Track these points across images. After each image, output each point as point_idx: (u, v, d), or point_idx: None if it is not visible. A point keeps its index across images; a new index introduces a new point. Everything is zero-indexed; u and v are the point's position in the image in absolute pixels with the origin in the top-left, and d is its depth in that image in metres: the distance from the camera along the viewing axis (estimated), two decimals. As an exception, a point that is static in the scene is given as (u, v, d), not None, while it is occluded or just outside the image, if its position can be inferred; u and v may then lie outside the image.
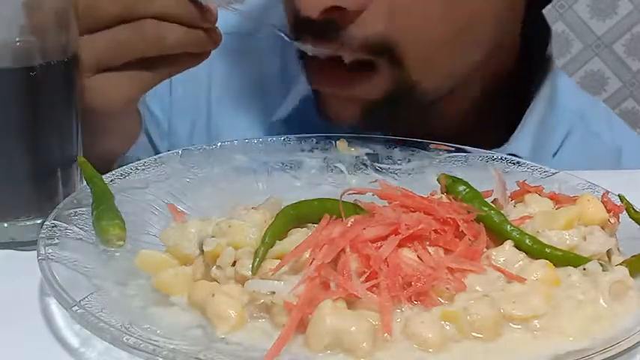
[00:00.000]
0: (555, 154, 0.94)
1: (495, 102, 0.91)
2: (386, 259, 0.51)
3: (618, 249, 0.59)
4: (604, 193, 0.62)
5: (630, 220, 0.61)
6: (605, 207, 0.60)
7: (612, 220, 0.60)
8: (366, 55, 0.77)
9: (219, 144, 0.72)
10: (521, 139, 0.89)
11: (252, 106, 0.98)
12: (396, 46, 0.77)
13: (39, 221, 0.61)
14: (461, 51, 0.81)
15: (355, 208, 0.58)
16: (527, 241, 0.57)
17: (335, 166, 0.74)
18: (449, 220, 0.56)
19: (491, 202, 0.62)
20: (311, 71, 0.82)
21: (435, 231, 0.55)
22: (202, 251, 0.55)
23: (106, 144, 0.74)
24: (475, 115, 0.91)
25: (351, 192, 0.59)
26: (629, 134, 1.03)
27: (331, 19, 0.75)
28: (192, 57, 0.74)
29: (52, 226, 0.56)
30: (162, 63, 0.72)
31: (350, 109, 0.82)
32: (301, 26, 0.78)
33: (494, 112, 0.92)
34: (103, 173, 0.64)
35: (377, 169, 0.74)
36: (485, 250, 0.56)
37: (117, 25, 0.69)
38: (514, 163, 0.72)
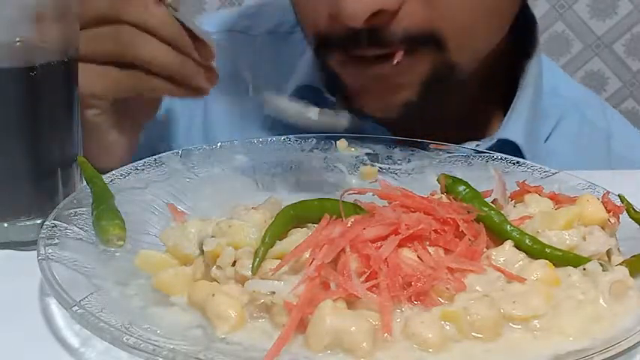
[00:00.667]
0: (547, 139, 0.95)
1: (488, 90, 0.92)
2: (386, 259, 0.51)
3: (618, 249, 0.59)
4: (604, 194, 0.62)
5: (630, 220, 0.61)
6: (606, 207, 0.60)
7: (612, 220, 0.60)
8: (410, 47, 0.78)
9: (219, 144, 0.72)
10: (513, 124, 0.90)
11: (247, 101, 0.98)
12: (437, 32, 0.78)
13: (39, 221, 0.61)
14: (490, 31, 0.83)
15: (355, 208, 0.58)
16: (527, 241, 0.57)
17: (335, 166, 0.74)
18: (449, 220, 0.56)
19: (491, 202, 0.62)
20: (351, 75, 0.82)
21: (435, 231, 0.55)
22: (202, 251, 0.55)
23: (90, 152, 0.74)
24: (471, 104, 0.92)
25: (351, 192, 0.59)
26: (619, 119, 1.04)
27: (374, 24, 0.75)
28: (180, 87, 0.74)
29: (52, 226, 0.56)
30: (146, 76, 0.72)
31: (387, 102, 0.82)
32: (342, 39, 0.78)
33: (488, 100, 0.93)
34: (103, 173, 0.64)
35: (377, 169, 0.74)
36: (485, 250, 0.56)
37: (99, 26, 0.71)
38: (514, 163, 0.72)
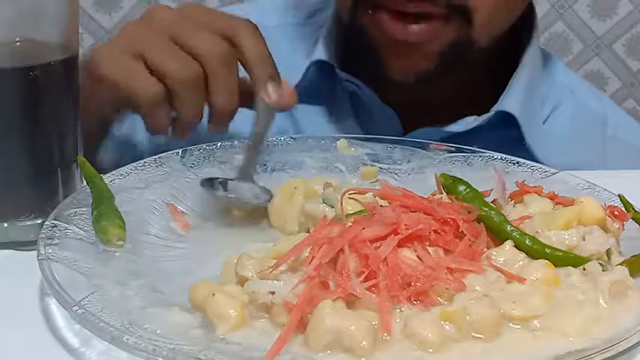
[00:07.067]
0: (545, 121, 0.98)
1: (487, 69, 0.96)
2: (385, 258, 0.51)
3: (619, 251, 0.59)
4: (610, 206, 0.62)
5: (630, 220, 0.61)
6: (612, 214, 0.60)
7: (617, 226, 0.60)
8: (448, 12, 0.82)
9: (219, 144, 0.72)
10: (511, 97, 0.93)
11: None
12: (471, 5, 0.82)
13: (39, 221, 0.61)
14: (511, 12, 0.89)
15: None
16: (527, 241, 0.57)
17: (335, 166, 0.74)
18: (449, 220, 0.56)
19: (491, 202, 0.62)
20: (381, 27, 0.85)
21: (435, 231, 0.55)
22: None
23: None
24: (471, 81, 0.95)
25: (351, 192, 0.59)
26: (614, 106, 1.09)
27: None
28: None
29: (52, 226, 0.56)
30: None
31: (410, 65, 0.86)
32: None
33: (485, 79, 0.97)
34: (103, 173, 0.64)
35: (377, 169, 0.74)
36: (485, 250, 0.56)
37: None
38: (514, 163, 0.72)
